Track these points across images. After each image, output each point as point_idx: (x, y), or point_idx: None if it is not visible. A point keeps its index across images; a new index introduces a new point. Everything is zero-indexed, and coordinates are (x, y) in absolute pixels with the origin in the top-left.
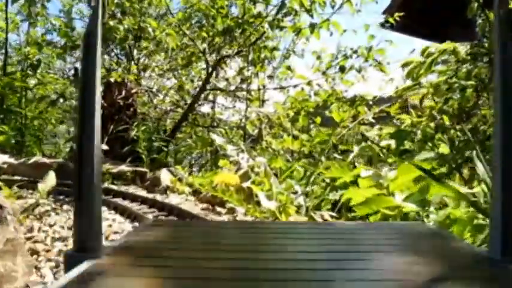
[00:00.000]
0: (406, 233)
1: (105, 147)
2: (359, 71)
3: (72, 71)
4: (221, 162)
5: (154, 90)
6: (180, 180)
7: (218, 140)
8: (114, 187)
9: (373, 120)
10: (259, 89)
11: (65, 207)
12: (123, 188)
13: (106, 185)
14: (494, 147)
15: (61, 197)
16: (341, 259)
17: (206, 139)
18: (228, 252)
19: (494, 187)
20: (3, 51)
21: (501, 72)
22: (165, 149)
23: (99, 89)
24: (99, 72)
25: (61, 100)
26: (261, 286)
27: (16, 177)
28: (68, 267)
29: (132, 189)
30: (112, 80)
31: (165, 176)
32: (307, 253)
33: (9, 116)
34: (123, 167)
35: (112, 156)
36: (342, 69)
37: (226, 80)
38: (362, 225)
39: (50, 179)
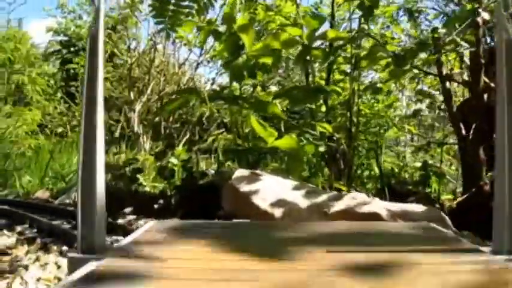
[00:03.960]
0: (408, 232)
1: None
2: None
3: None
4: None
5: None
6: None
7: None
8: None
9: None
10: None
11: None
12: None
13: None
14: (498, 136)
15: None
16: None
17: None
18: (238, 253)
19: (498, 177)
20: None
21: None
22: None
23: (101, 90)
24: (101, 74)
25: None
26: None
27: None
28: (71, 269)
29: None
30: None
31: None
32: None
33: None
34: None
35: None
36: None
37: None
38: (365, 224)
39: None
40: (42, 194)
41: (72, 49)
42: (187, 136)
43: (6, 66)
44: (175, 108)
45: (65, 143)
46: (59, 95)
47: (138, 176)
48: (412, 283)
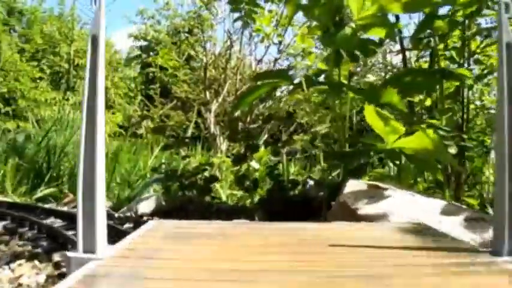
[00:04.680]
0: (406, 233)
1: None
2: None
3: None
4: None
5: None
6: None
7: None
8: None
9: None
10: None
11: None
12: None
13: None
14: (498, 136)
15: None
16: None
17: None
18: (235, 253)
19: (499, 178)
20: None
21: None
22: None
23: (102, 90)
24: (102, 74)
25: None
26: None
27: None
28: (71, 269)
29: None
30: None
31: None
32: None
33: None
34: None
35: None
36: None
37: None
38: (364, 225)
39: None
40: None
41: (151, 53)
42: (266, 136)
43: None
44: (267, 91)
45: (140, 144)
46: (139, 97)
47: (214, 184)
48: (411, 284)
